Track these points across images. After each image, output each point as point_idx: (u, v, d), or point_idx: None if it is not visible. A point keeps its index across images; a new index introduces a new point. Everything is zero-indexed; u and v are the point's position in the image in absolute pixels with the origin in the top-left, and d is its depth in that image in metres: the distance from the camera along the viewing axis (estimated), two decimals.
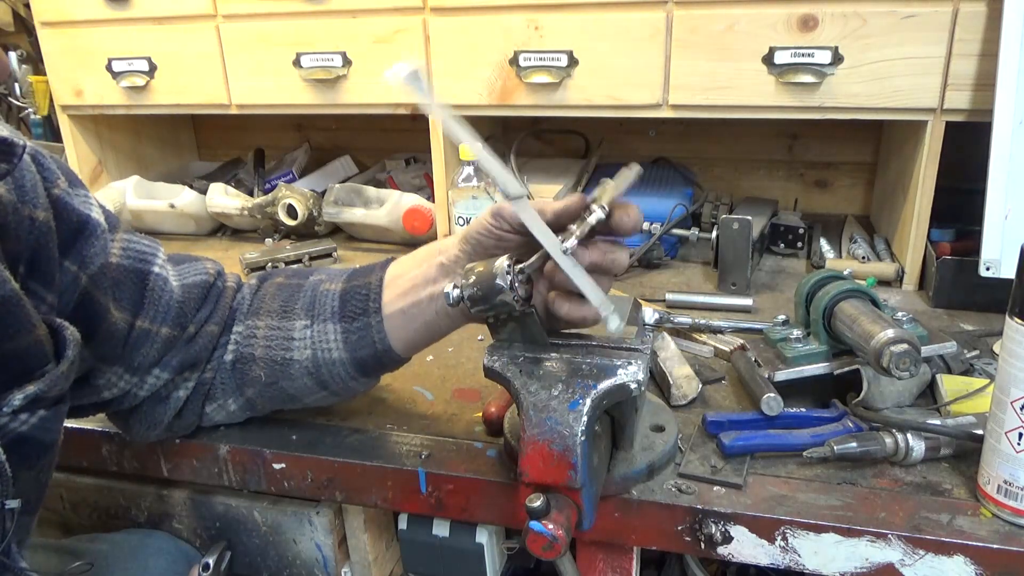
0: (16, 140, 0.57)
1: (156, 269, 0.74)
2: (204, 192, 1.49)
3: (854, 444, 0.71)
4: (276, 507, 0.86)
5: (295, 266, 1.31)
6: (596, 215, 0.63)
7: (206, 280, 0.77)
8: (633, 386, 0.63)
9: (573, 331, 0.70)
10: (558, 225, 0.65)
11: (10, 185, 0.61)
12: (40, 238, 0.63)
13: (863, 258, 1.23)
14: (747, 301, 1.08)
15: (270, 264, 1.30)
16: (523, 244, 0.68)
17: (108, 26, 1.40)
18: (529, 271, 0.64)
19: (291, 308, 0.76)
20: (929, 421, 0.75)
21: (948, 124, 1.07)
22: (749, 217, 1.14)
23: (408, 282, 0.73)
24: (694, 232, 1.24)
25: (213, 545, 0.88)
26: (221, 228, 1.56)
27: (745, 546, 0.68)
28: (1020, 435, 0.62)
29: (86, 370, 0.71)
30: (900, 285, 1.16)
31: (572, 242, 0.62)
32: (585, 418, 0.61)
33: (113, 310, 0.70)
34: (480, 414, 0.82)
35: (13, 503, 0.58)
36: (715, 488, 0.70)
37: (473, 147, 0.59)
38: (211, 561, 0.86)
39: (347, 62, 1.28)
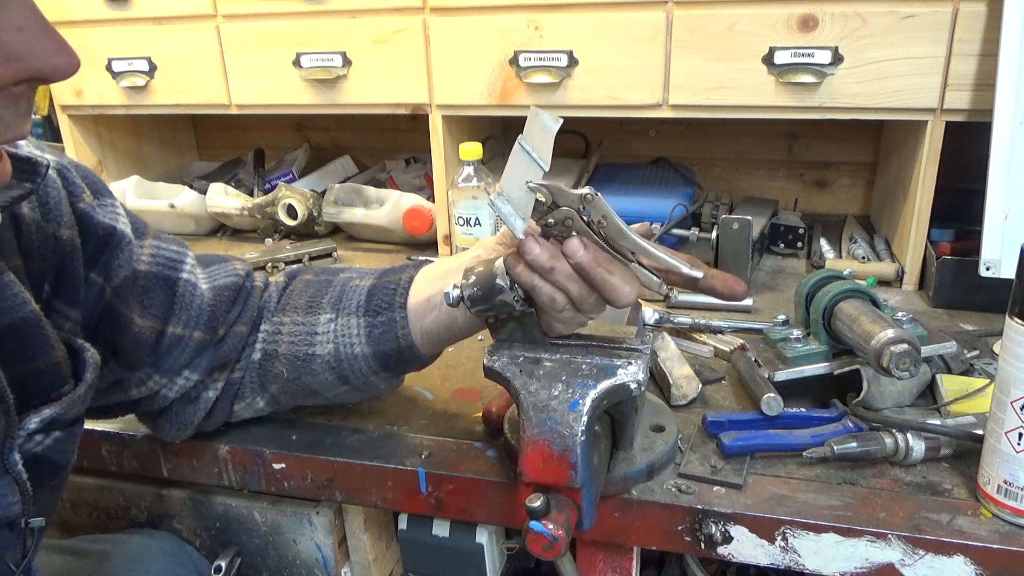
0: (40, 159, 0.57)
1: (184, 275, 0.74)
2: (204, 192, 1.49)
3: (854, 444, 0.71)
4: (276, 507, 0.86)
5: (296, 265, 1.31)
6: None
7: (236, 281, 0.78)
8: (633, 386, 0.63)
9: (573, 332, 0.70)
10: None
11: (34, 203, 0.61)
12: (65, 257, 0.63)
13: (863, 258, 1.23)
14: (747, 301, 1.08)
15: (270, 264, 1.30)
16: None
17: (108, 26, 1.40)
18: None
19: (317, 303, 0.77)
20: (929, 421, 0.75)
21: (948, 124, 1.07)
22: (749, 217, 1.14)
23: (439, 271, 0.74)
24: (694, 232, 1.24)
25: (225, 550, 0.88)
26: (221, 228, 1.56)
27: (745, 546, 0.68)
28: (1020, 435, 0.62)
29: (112, 381, 0.72)
30: (900, 285, 1.16)
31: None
32: (585, 418, 0.61)
33: (137, 320, 0.70)
34: (480, 414, 0.82)
35: (37, 522, 0.59)
36: (715, 488, 0.70)
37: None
38: (223, 564, 0.86)
39: (347, 62, 1.28)
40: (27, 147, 0.58)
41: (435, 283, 0.73)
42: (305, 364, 0.76)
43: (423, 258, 0.79)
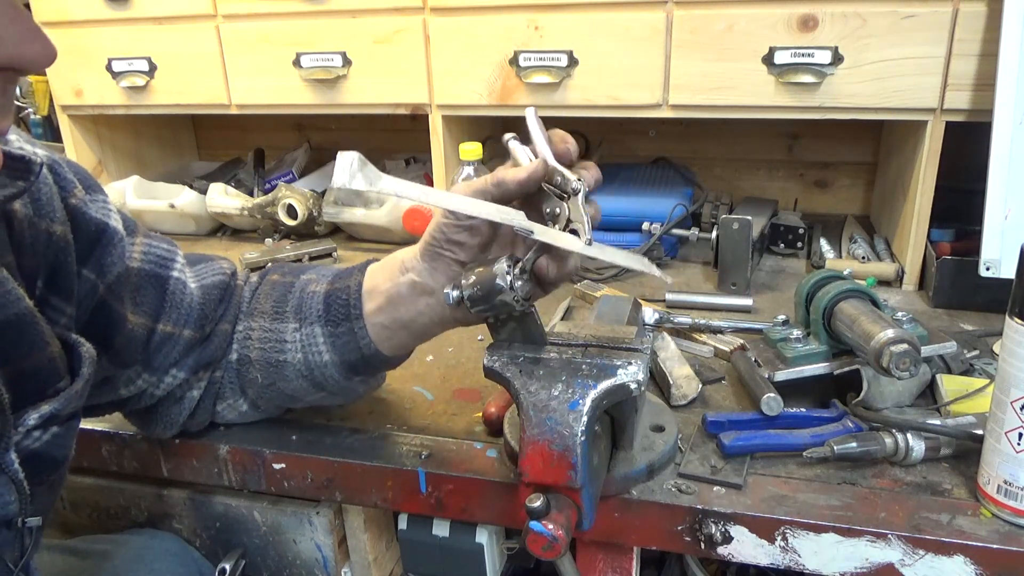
0: (34, 158, 0.57)
1: (175, 273, 0.74)
2: (204, 192, 1.49)
3: (854, 444, 0.71)
4: (276, 507, 0.86)
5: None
6: (583, 193, 0.64)
7: (223, 280, 0.78)
8: (633, 386, 0.63)
9: (573, 331, 0.71)
10: (523, 193, 0.66)
11: (25, 200, 0.60)
12: (58, 253, 0.63)
13: (863, 258, 1.23)
14: (747, 301, 1.08)
15: (270, 264, 1.30)
16: (484, 241, 0.69)
17: (108, 26, 1.40)
18: (527, 266, 0.64)
19: (282, 310, 0.77)
20: (929, 421, 0.74)
21: (948, 124, 1.07)
22: (749, 217, 1.14)
23: (385, 299, 0.72)
24: (694, 232, 1.24)
25: (229, 552, 0.88)
26: (221, 228, 1.56)
27: (745, 546, 0.68)
28: (1020, 435, 0.62)
29: (103, 377, 0.72)
30: (900, 285, 1.16)
31: (589, 233, 0.63)
32: (585, 418, 0.61)
33: (130, 316, 0.70)
34: (480, 414, 0.82)
35: (34, 521, 0.59)
36: (715, 488, 0.70)
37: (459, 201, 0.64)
38: (228, 566, 0.86)
39: (347, 62, 1.28)
40: (19, 144, 0.58)
41: (383, 289, 0.72)
42: (278, 370, 0.76)
43: (371, 258, 0.78)
